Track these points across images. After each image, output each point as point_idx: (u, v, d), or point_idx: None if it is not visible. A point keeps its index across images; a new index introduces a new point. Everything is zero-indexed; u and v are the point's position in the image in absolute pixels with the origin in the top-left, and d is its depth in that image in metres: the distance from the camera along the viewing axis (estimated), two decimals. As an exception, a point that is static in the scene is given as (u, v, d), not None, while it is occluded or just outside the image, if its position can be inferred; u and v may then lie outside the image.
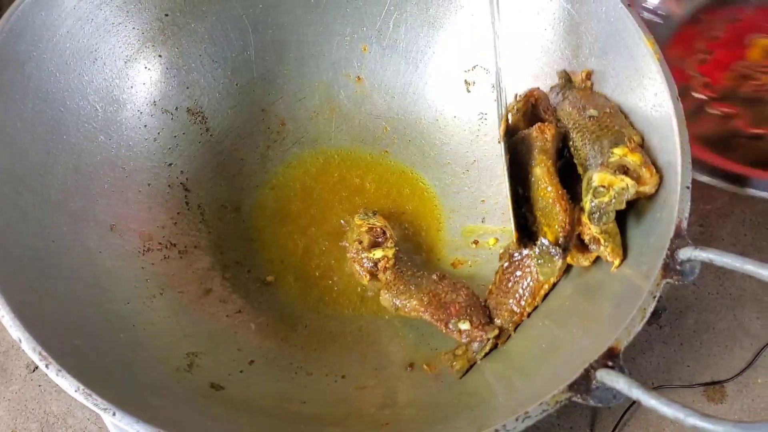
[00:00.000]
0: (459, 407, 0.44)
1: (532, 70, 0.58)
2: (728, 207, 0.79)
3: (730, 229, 0.82)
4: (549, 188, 0.49)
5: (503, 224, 0.57)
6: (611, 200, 0.45)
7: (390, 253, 0.55)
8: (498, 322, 0.51)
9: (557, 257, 0.47)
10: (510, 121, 0.54)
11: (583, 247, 0.48)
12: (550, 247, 0.48)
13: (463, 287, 0.53)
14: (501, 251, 0.53)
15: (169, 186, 0.57)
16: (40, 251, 0.45)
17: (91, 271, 0.48)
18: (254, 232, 0.59)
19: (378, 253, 0.55)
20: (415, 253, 0.58)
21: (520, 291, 0.51)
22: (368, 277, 0.55)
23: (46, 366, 0.37)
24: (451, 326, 0.50)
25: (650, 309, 0.40)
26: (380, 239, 0.55)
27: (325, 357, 0.52)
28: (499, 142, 0.53)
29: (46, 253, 0.46)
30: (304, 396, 0.48)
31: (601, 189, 0.45)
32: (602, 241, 0.46)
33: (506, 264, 0.52)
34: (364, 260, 0.55)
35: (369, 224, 0.55)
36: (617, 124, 0.50)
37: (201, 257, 0.55)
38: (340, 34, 0.63)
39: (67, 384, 0.37)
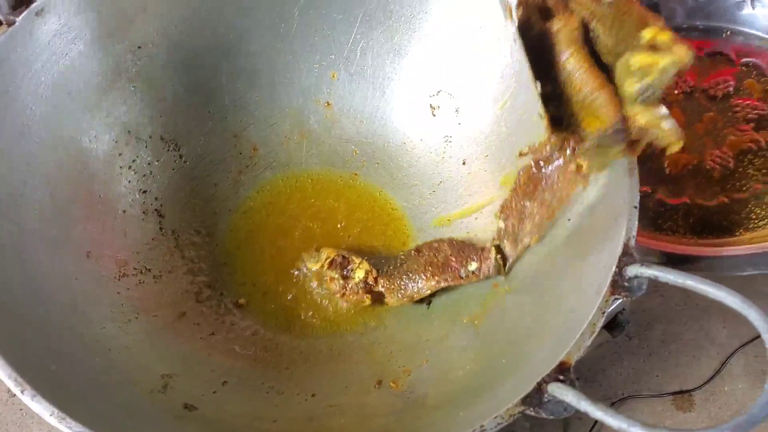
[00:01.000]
0: (423, 421, 0.45)
1: (491, 93, 0.60)
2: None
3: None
4: (589, 76, 0.46)
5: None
6: (655, 79, 0.43)
7: (367, 266, 0.57)
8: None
9: (622, 138, 0.45)
10: (520, 17, 0.50)
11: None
12: (612, 132, 0.45)
13: (440, 242, 0.57)
14: (524, 149, 0.53)
15: (143, 212, 0.59)
16: (16, 278, 0.47)
17: (67, 296, 0.50)
18: (227, 256, 0.60)
19: (359, 273, 0.57)
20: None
21: (548, 196, 0.52)
22: (370, 297, 0.57)
23: (22, 391, 0.39)
24: (463, 275, 0.54)
25: (600, 324, 0.42)
26: (345, 264, 0.57)
27: (297, 376, 0.53)
28: (514, 40, 0.49)
29: (23, 280, 0.47)
30: (275, 415, 0.49)
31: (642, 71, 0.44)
32: (659, 123, 0.44)
33: (534, 170, 0.53)
34: (355, 288, 0.57)
35: (326, 259, 0.57)
36: (636, 9, 0.47)
37: (175, 281, 0.57)
38: (309, 62, 0.65)
39: (42, 408, 0.38)
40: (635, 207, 0.45)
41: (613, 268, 0.43)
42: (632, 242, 0.44)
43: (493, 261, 0.54)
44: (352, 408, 0.50)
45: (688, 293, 0.86)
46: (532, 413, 0.40)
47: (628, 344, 0.86)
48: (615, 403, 0.81)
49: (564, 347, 0.41)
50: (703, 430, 0.36)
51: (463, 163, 0.62)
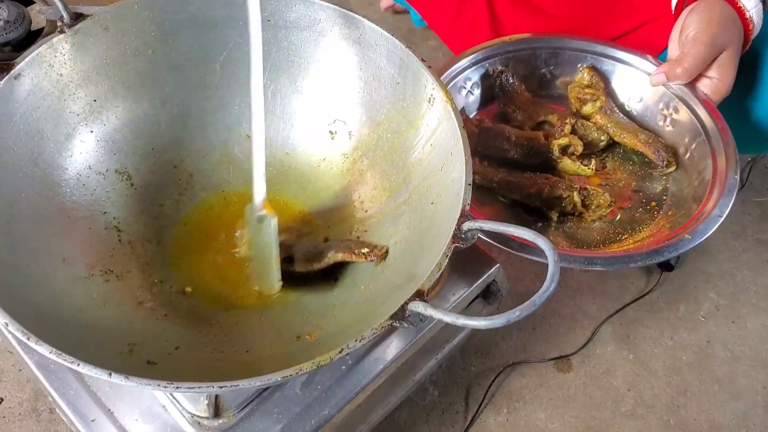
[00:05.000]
0: (325, 347, 0.60)
1: (374, 118, 0.78)
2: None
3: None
4: None
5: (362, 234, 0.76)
6: None
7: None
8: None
9: None
10: None
11: None
12: None
13: (345, 239, 0.74)
14: None
15: (105, 228, 0.73)
16: (11, 276, 0.60)
17: (50, 291, 0.63)
18: (174, 258, 0.74)
19: None
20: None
21: None
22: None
23: (28, 339, 0.52)
24: (357, 254, 0.70)
25: (444, 263, 0.58)
26: None
27: (233, 340, 0.67)
28: None
29: (15, 279, 0.60)
30: (218, 366, 0.64)
31: None
32: None
33: None
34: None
35: None
36: None
37: (133, 279, 0.71)
38: (230, 104, 0.80)
39: (44, 349, 0.51)
40: (469, 184, 0.62)
41: (454, 225, 0.60)
42: (467, 207, 0.61)
43: (381, 253, 0.70)
44: (277, 355, 0.65)
45: (563, 277, 1.04)
46: (398, 324, 0.55)
47: (516, 321, 1.03)
48: (507, 368, 0.97)
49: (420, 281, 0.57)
50: (497, 316, 0.52)
51: (358, 172, 0.79)
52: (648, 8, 1.05)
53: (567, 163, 0.90)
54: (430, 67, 0.71)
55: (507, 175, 0.89)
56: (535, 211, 0.89)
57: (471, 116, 0.98)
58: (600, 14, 1.08)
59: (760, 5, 0.83)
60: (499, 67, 0.98)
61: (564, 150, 0.91)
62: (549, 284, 0.52)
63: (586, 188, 0.88)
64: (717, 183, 0.83)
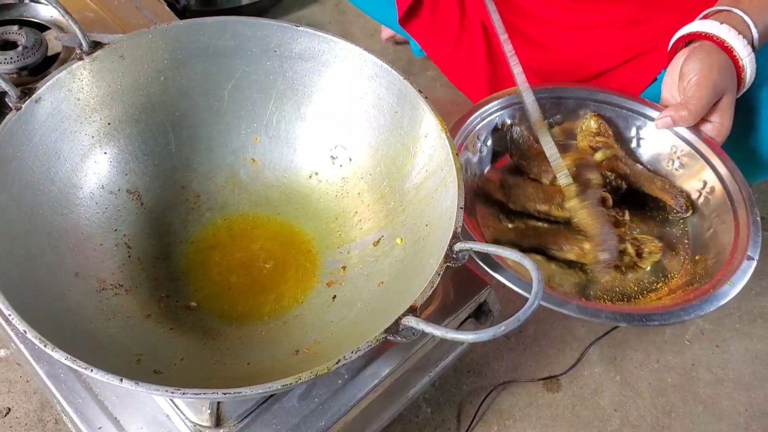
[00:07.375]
0: (322, 360, 0.63)
1: (373, 144, 0.82)
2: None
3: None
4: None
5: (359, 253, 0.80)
6: None
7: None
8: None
9: None
10: None
11: None
12: None
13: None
14: None
15: (116, 245, 0.76)
16: (31, 287, 0.64)
17: (64, 302, 0.66)
18: (180, 274, 0.78)
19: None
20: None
21: None
22: None
23: (45, 346, 0.56)
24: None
25: (436, 282, 0.61)
26: None
27: (236, 353, 0.71)
28: None
29: (35, 290, 0.64)
30: (221, 376, 0.68)
31: None
32: None
33: None
34: None
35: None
36: None
37: (141, 293, 0.74)
38: (237, 129, 0.84)
39: (60, 355, 0.55)
40: (461, 208, 0.66)
41: (446, 245, 0.64)
42: (459, 229, 0.65)
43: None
44: (277, 367, 0.68)
45: (553, 300, 1.06)
46: (392, 339, 0.58)
47: (507, 342, 1.06)
48: (498, 387, 1.00)
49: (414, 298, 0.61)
50: (484, 330, 0.55)
51: (357, 195, 0.83)
52: (638, 44, 1.09)
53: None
54: (426, 97, 0.75)
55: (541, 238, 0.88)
56: (574, 263, 0.87)
57: (485, 171, 0.97)
58: (594, 48, 1.13)
59: (753, 54, 0.87)
60: (508, 121, 0.96)
61: None
62: (533, 301, 0.56)
63: (635, 237, 0.86)
64: (740, 224, 0.82)
